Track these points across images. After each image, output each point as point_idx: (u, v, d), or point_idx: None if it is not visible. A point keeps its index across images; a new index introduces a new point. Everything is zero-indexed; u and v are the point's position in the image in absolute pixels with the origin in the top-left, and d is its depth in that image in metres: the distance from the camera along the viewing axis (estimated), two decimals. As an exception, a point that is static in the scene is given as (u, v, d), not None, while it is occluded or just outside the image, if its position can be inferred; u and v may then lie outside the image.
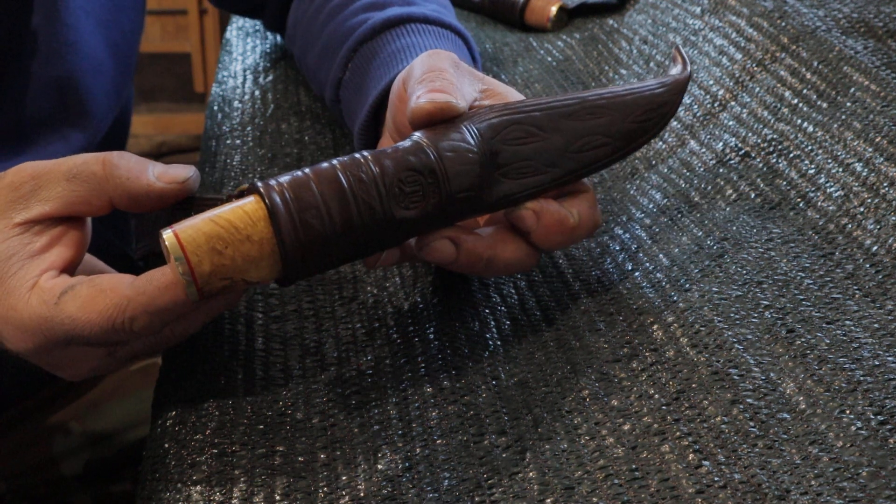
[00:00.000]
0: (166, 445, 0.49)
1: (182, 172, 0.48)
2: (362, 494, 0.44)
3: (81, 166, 0.48)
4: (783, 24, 0.73)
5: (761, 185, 0.62)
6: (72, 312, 0.46)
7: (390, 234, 0.47)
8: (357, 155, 0.47)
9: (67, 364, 0.51)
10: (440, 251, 0.49)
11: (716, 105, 0.71)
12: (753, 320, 0.51)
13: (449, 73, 0.52)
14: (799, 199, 0.60)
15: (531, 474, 0.43)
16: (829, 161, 0.61)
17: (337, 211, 0.45)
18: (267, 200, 0.44)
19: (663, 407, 0.46)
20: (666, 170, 0.67)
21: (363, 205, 0.46)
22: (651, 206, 0.63)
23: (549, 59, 0.88)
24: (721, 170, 0.65)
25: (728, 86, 0.72)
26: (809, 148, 0.62)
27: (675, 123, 0.71)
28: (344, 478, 0.45)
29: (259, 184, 0.45)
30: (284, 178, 0.46)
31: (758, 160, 0.64)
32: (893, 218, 0.55)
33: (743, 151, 0.65)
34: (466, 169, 0.48)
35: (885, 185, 0.57)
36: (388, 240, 0.48)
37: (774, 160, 0.63)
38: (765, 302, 0.52)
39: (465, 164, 0.48)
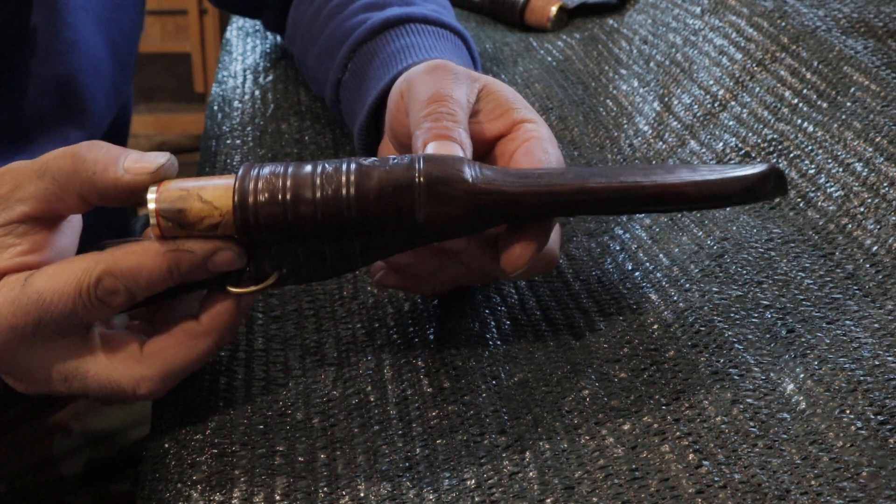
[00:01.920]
0: (166, 445, 0.49)
1: (152, 160, 0.46)
2: (362, 494, 0.44)
3: (51, 161, 0.47)
4: (783, 24, 0.73)
5: (761, 185, 0.62)
6: (39, 286, 0.46)
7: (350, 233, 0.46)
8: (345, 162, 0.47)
9: (31, 368, 0.49)
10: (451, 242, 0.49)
11: (716, 105, 0.71)
12: (753, 320, 0.51)
13: (452, 103, 0.51)
14: (799, 199, 0.60)
15: (531, 474, 0.43)
16: (829, 161, 0.61)
17: (294, 177, 0.46)
18: (240, 171, 0.46)
19: (663, 407, 0.46)
20: (666, 170, 0.67)
21: (326, 185, 0.46)
22: (651, 206, 0.63)
23: (549, 59, 0.88)
24: (721, 170, 0.65)
25: (728, 86, 0.72)
26: (809, 148, 0.62)
27: (674, 123, 0.71)
28: (344, 478, 0.45)
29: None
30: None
31: (758, 160, 0.64)
32: (893, 218, 0.55)
33: (743, 151, 0.65)
34: (446, 212, 0.46)
35: (885, 185, 0.57)
36: (347, 242, 0.47)
37: (774, 160, 0.63)
38: (765, 302, 0.52)
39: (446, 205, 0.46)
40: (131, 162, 0.46)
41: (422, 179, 0.45)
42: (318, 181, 0.45)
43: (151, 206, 0.45)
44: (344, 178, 0.46)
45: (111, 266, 0.46)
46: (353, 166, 0.46)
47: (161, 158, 0.47)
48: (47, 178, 0.47)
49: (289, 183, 0.45)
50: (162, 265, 0.46)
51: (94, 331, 0.49)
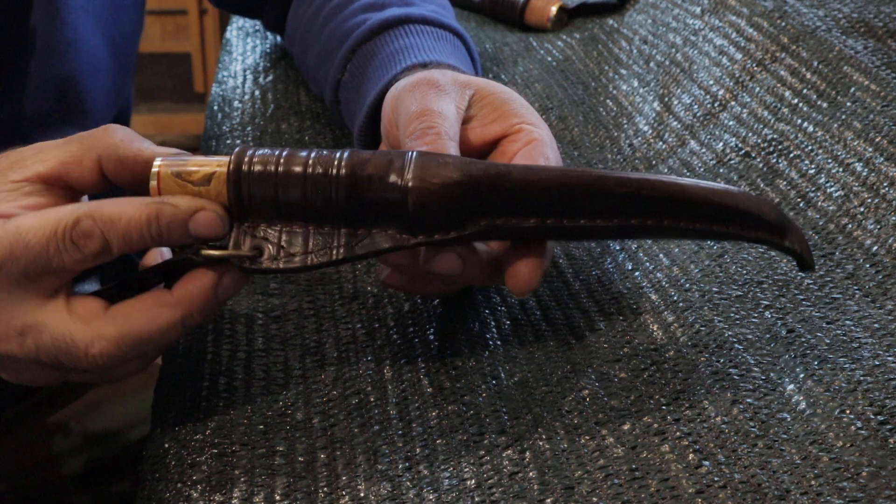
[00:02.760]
0: (166, 445, 0.48)
1: (169, 149, 0.49)
2: (362, 494, 0.44)
3: (83, 132, 0.49)
4: (783, 24, 0.73)
5: (761, 185, 0.62)
6: (19, 222, 0.46)
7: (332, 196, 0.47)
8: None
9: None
10: (448, 263, 0.49)
11: (716, 105, 0.71)
12: (753, 320, 0.51)
13: (436, 117, 0.51)
14: (799, 199, 0.60)
15: (531, 474, 0.43)
16: (829, 161, 0.61)
17: (289, 155, 0.47)
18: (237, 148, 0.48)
19: (663, 407, 0.46)
20: (666, 170, 0.67)
21: (317, 164, 0.47)
22: (651, 206, 0.63)
23: (549, 59, 0.88)
24: (721, 170, 0.65)
25: (728, 86, 0.72)
26: (809, 148, 0.62)
27: (674, 123, 0.71)
28: (344, 478, 0.45)
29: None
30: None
31: (758, 160, 0.64)
32: (893, 218, 0.55)
33: (743, 151, 0.65)
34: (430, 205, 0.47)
35: (885, 185, 0.57)
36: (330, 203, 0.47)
37: (774, 160, 0.63)
38: (765, 302, 0.52)
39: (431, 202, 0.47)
40: (155, 146, 0.49)
41: (413, 154, 0.47)
42: (310, 160, 0.47)
43: (157, 161, 0.47)
44: (336, 160, 0.47)
45: (92, 210, 0.46)
46: (346, 152, 0.47)
47: (175, 151, 0.49)
48: (73, 142, 0.49)
49: (282, 158, 0.47)
50: (142, 214, 0.46)
51: (63, 288, 0.48)
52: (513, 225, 0.47)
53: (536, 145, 0.52)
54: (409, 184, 0.46)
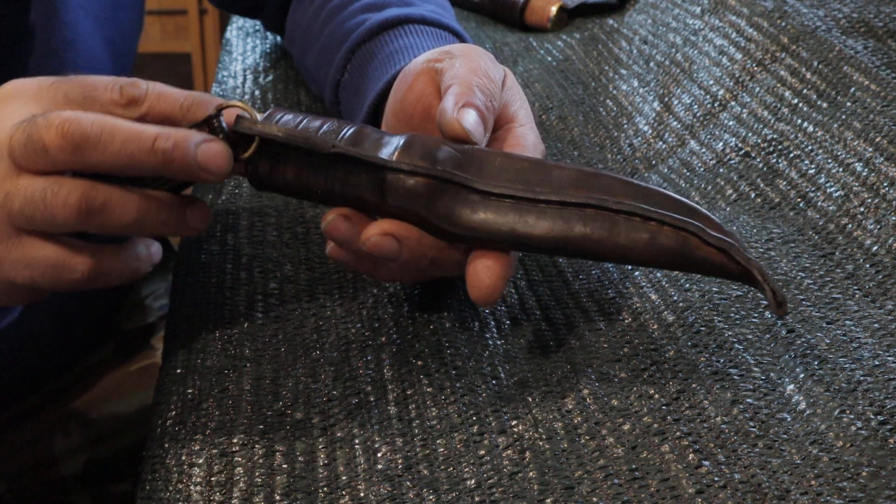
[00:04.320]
0: (166, 445, 0.49)
1: None
2: (362, 494, 0.44)
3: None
4: (783, 24, 0.73)
5: (761, 185, 0.62)
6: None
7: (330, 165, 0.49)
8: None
9: None
10: (382, 247, 0.49)
11: (716, 105, 0.71)
12: (753, 320, 0.51)
13: (490, 95, 0.52)
14: (799, 199, 0.60)
15: (531, 474, 0.43)
16: (829, 161, 0.61)
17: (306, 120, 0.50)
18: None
19: (663, 407, 0.46)
20: (666, 170, 0.67)
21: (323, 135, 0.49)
22: (651, 206, 0.63)
23: (549, 59, 0.88)
24: (721, 170, 0.65)
25: (728, 86, 0.72)
26: (809, 148, 0.63)
27: (674, 123, 0.71)
28: (344, 478, 0.45)
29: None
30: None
31: (758, 160, 0.64)
32: (893, 218, 0.55)
33: (743, 151, 0.65)
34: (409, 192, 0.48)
35: (885, 185, 0.57)
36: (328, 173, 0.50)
37: (774, 160, 0.63)
38: (765, 302, 0.52)
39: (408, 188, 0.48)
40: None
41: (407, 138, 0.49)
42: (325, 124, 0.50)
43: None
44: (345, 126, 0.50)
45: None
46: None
47: None
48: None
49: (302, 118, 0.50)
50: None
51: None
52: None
53: (516, 151, 0.53)
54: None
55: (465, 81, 0.51)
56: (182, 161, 0.48)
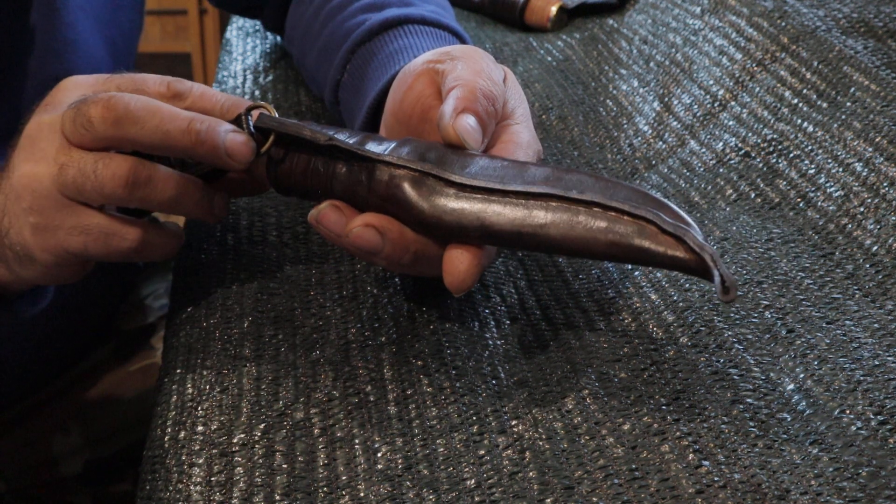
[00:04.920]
0: (166, 445, 0.48)
1: None
2: (362, 494, 0.44)
3: None
4: (783, 24, 0.73)
5: (761, 185, 0.62)
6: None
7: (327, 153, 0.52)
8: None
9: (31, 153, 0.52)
10: (364, 238, 0.49)
11: (716, 105, 0.71)
12: (753, 320, 0.51)
13: (493, 99, 0.52)
14: (799, 199, 0.60)
15: (531, 474, 0.43)
16: (829, 161, 0.61)
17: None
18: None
19: (663, 407, 0.46)
20: (666, 170, 0.67)
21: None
22: (651, 206, 0.63)
23: (549, 59, 0.88)
24: (721, 170, 0.65)
25: (728, 86, 0.72)
26: (809, 148, 0.63)
27: (674, 123, 0.71)
28: (344, 478, 0.45)
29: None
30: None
31: (758, 160, 0.64)
32: (893, 218, 0.55)
33: (743, 151, 0.65)
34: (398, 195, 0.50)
35: (885, 185, 0.57)
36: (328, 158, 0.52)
37: (774, 160, 0.63)
38: (765, 302, 0.52)
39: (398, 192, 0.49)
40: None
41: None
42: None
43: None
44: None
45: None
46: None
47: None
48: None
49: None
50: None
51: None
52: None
53: (508, 148, 0.53)
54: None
55: (469, 85, 0.52)
56: (211, 143, 0.52)
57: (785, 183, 0.61)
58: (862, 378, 0.46)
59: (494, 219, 0.48)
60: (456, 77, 0.53)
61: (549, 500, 0.42)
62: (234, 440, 0.48)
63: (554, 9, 0.95)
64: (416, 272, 0.54)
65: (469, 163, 0.50)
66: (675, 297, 0.53)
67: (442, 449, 0.46)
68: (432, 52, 0.57)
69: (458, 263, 0.48)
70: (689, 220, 0.45)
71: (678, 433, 0.44)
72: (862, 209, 0.57)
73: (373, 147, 0.51)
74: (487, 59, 0.55)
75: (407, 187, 0.50)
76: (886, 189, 0.56)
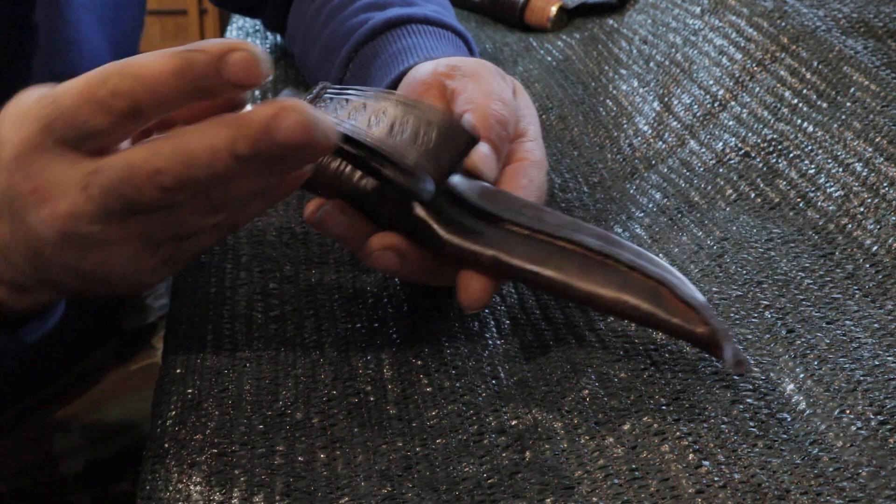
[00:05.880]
0: (166, 445, 0.49)
1: None
2: (362, 494, 0.44)
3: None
4: (783, 24, 0.73)
5: (761, 185, 0.62)
6: (58, 89, 0.44)
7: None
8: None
9: (45, 187, 0.45)
10: (383, 261, 0.49)
11: (716, 105, 0.71)
12: (753, 320, 0.51)
13: (506, 123, 0.52)
14: (799, 199, 0.60)
15: (531, 474, 0.43)
16: (829, 161, 0.61)
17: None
18: None
19: (663, 407, 0.46)
20: (666, 170, 0.67)
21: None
22: (651, 205, 0.63)
23: (549, 59, 0.88)
24: (721, 170, 0.65)
25: (728, 86, 0.72)
26: (809, 148, 0.63)
27: (674, 123, 0.71)
28: (344, 478, 0.45)
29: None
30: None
31: (758, 160, 0.64)
32: (893, 218, 0.55)
33: (743, 151, 0.65)
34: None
35: (885, 185, 0.57)
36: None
37: (774, 160, 0.63)
38: (765, 302, 0.52)
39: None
40: None
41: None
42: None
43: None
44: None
45: (120, 66, 0.43)
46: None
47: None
48: None
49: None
50: (169, 65, 0.43)
51: (115, 145, 0.45)
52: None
53: (526, 165, 0.53)
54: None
55: (481, 110, 0.51)
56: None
57: (785, 183, 0.61)
58: (862, 378, 0.46)
59: (506, 254, 0.48)
60: (467, 100, 0.52)
61: (549, 500, 0.42)
62: (234, 440, 0.48)
63: (554, 9, 0.95)
64: (427, 283, 0.54)
65: (496, 198, 0.50)
66: (675, 297, 0.53)
67: (442, 449, 0.46)
68: (440, 62, 0.57)
69: (474, 283, 0.48)
70: (699, 296, 0.46)
71: (678, 433, 0.44)
72: (862, 209, 0.57)
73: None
74: (497, 75, 0.55)
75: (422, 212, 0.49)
76: (886, 189, 0.56)
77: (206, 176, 0.44)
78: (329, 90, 0.52)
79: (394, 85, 0.62)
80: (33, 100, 0.45)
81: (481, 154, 0.50)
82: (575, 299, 0.48)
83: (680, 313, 0.45)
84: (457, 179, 0.50)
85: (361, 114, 0.49)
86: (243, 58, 0.42)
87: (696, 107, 0.72)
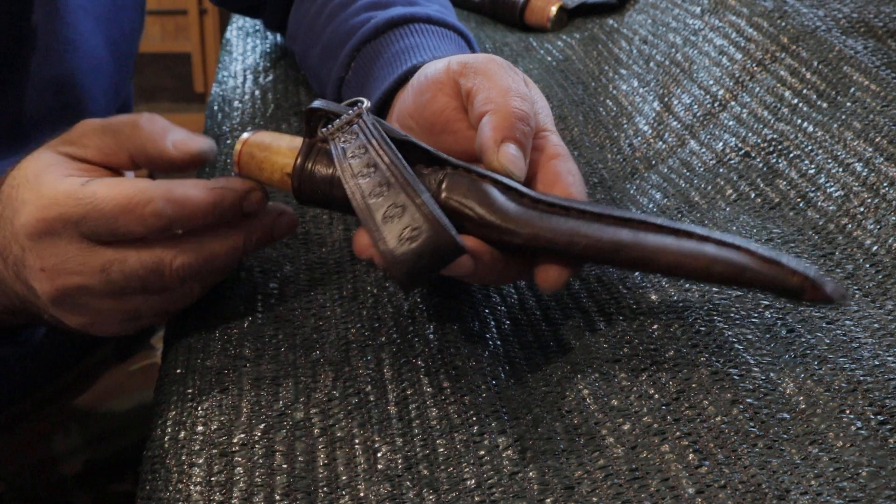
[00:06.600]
0: (166, 445, 0.49)
1: (195, 146, 0.53)
2: (362, 494, 0.44)
3: (114, 122, 0.53)
4: (783, 24, 0.73)
5: (761, 185, 0.62)
6: (95, 188, 0.50)
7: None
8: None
9: (68, 258, 0.51)
10: (457, 266, 0.49)
11: (716, 105, 0.71)
12: (753, 320, 0.51)
13: (528, 118, 0.52)
14: (799, 199, 0.60)
15: (531, 474, 0.43)
16: (829, 161, 0.61)
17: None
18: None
19: (663, 407, 0.46)
20: (666, 170, 0.67)
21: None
22: (651, 205, 0.63)
23: (549, 59, 0.88)
24: (721, 170, 0.65)
25: (728, 86, 0.72)
26: (809, 148, 0.63)
27: (674, 123, 0.71)
28: (344, 478, 0.45)
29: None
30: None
31: (758, 160, 0.64)
32: (893, 218, 0.55)
33: (743, 151, 0.65)
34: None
35: (885, 185, 0.57)
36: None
37: (774, 160, 0.63)
38: (765, 302, 0.52)
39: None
40: (179, 141, 0.53)
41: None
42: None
43: (245, 135, 0.54)
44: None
45: (165, 192, 0.50)
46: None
47: (203, 146, 0.53)
48: (108, 135, 0.53)
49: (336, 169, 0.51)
50: (208, 199, 0.51)
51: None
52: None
53: (560, 162, 0.52)
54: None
55: (502, 110, 0.51)
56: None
57: (785, 183, 0.61)
58: (862, 378, 0.46)
59: (585, 238, 0.48)
60: (486, 99, 0.52)
61: (549, 500, 0.42)
62: (234, 440, 0.48)
63: (554, 9, 0.95)
64: (493, 283, 0.56)
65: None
66: (674, 298, 0.53)
67: (442, 449, 0.46)
68: (452, 59, 0.56)
69: (551, 271, 0.49)
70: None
71: (678, 433, 0.44)
72: (862, 209, 0.57)
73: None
74: (508, 69, 0.55)
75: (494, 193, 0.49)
76: (886, 189, 0.57)
77: (224, 268, 0.55)
78: (366, 119, 0.52)
79: (396, 84, 0.62)
80: (63, 191, 0.50)
81: (510, 155, 0.50)
82: (661, 269, 0.47)
83: (767, 268, 0.45)
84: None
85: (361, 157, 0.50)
86: (258, 198, 0.53)
87: (696, 107, 0.72)
